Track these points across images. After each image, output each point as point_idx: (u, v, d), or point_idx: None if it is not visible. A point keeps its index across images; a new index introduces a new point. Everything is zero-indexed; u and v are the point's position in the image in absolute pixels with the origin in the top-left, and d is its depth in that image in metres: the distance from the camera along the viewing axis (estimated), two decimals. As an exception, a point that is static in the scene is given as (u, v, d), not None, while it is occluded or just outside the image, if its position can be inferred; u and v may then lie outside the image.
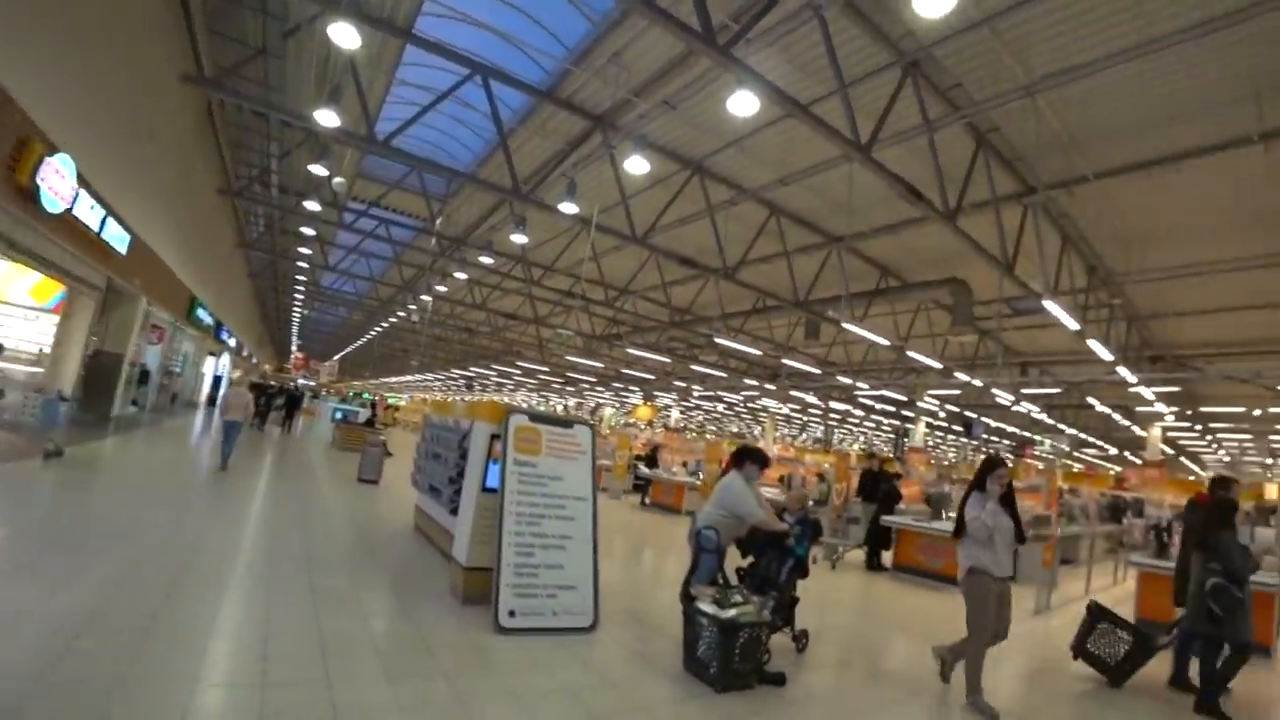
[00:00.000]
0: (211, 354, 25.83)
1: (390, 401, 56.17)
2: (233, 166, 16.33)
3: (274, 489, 9.88)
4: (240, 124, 14.13)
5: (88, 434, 11.02)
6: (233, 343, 27.59)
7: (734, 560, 5.15)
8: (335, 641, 3.96)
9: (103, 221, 10.31)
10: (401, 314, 25.60)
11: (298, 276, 24.04)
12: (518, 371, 35.28)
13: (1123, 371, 13.41)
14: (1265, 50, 6.70)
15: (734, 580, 4.93)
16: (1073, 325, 10.22)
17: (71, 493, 7.03)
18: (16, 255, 8.87)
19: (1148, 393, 16.19)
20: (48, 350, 11.29)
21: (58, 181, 8.51)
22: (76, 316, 11.71)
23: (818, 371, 19.91)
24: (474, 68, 9.47)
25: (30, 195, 8.07)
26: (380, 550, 6.74)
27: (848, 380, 21.41)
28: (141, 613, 3.93)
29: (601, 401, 45.42)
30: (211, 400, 25.58)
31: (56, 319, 11.46)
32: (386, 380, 62.58)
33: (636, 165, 10.12)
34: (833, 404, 29.61)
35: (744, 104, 7.15)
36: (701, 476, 14.25)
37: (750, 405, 35.39)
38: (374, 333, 34.42)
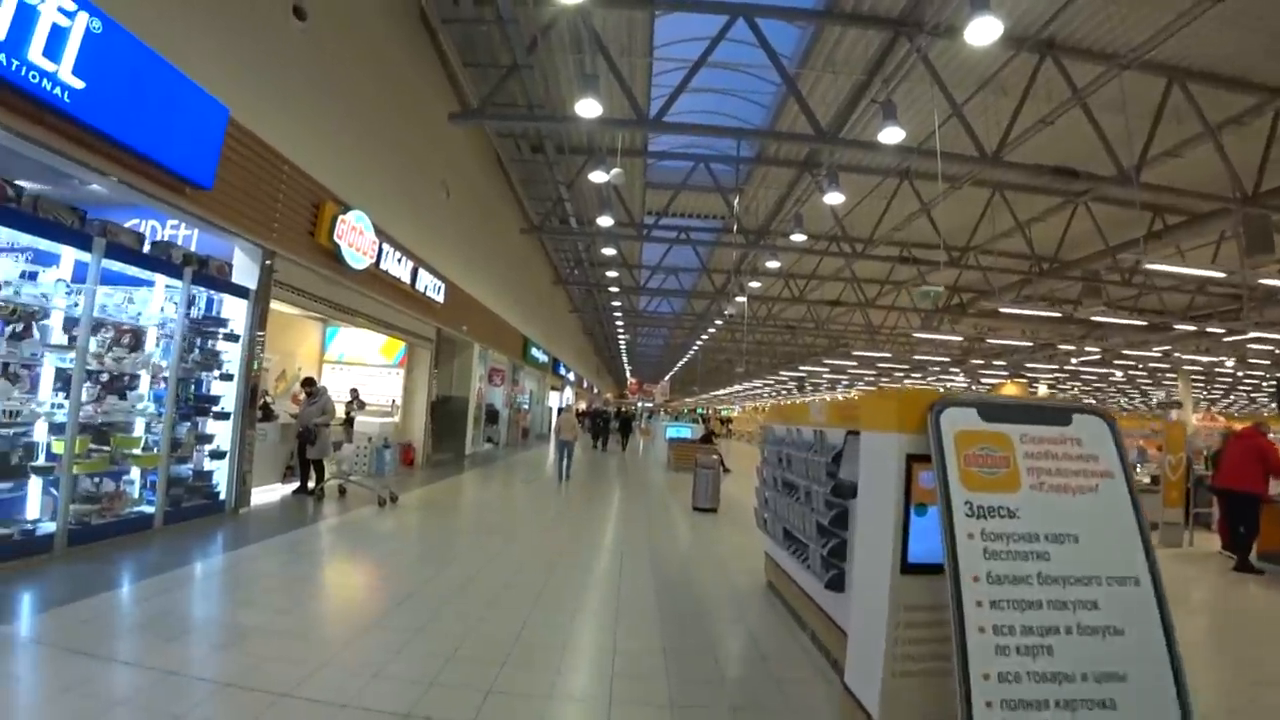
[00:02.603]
0: (554, 389, 28.24)
1: (723, 414, 57.08)
2: (529, 205, 16.88)
3: (598, 525, 8.42)
4: (523, 160, 14.24)
5: (438, 474, 11.50)
6: (571, 376, 29.98)
7: None
8: None
9: (414, 273, 10.67)
10: (719, 322, 24.74)
11: (613, 302, 24.80)
12: (853, 363, 31.50)
13: None
14: None
15: None
16: None
17: (377, 546, 6.43)
18: (343, 315, 9.36)
19: None
20: (399, 402, 12.25)
21: (356, 238, 8.66)
22: (419, 368, 12.64)
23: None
24: (732, 11, 8.45)
25: (332, 254, 8.26)
26: (716, 626, 4.49)
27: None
28: None
29: (954, 385, 38.76)
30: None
31: (402, 372, 12.44)
32: (716, 394, 64.00)
33: (981, 31, 6.70)
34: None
35: None
36: (1158, 472, 9.32)
37: (1153, 364, 25.64)
38: (696, 346, 34.49)
